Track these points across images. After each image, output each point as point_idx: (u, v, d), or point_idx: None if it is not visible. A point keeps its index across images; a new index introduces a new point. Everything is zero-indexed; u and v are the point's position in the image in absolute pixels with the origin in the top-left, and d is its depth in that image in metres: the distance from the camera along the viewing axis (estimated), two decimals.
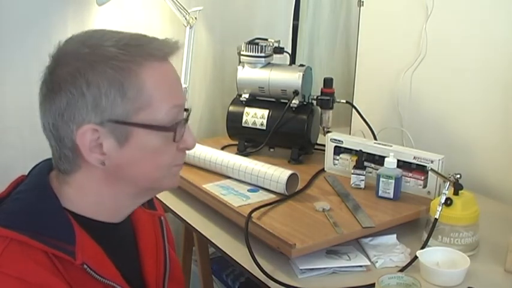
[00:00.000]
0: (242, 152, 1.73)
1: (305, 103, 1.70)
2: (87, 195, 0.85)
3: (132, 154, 0.82)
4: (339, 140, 1.56)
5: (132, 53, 0.80)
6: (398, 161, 1.42)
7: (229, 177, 1.52)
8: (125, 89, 0.79)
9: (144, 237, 0.95)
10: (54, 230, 0.80)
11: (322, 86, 1.70)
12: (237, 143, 1.77)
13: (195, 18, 1.84)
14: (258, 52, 1.71)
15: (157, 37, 0.84)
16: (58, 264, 0.78)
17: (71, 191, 0.85)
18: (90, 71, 0.78)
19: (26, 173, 0.89)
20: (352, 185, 1.48)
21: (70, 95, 0.78)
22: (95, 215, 0.86)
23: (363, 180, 1.47)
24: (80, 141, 0.80)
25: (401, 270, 1.17)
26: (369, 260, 1.21)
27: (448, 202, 1.23)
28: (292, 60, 1.84)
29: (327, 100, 1.68)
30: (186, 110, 0.88)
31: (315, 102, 1.71)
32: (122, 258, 0.88)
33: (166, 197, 1.52)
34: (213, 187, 1.47)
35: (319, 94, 1.70)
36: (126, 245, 0.93)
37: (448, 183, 1.26)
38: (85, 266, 0.80)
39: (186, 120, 0.87)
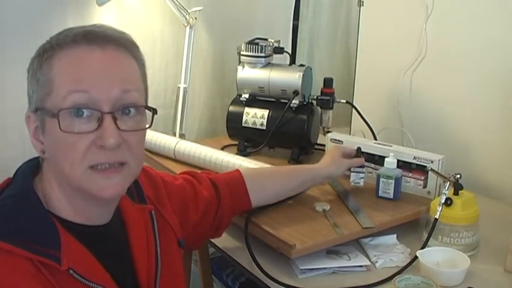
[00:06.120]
0: (242, 152, 1.73)
1: (305, 103, 1.70)
2: (53, 190, 0.84)
3: (50, 144, 0.83)
4: (339, 140, 1.56)
5: (56, 42, 0.82)
6: (398, 161, 1.42)
7: None
8: (37, 75, 0.81)
9: (135, 234, 0.93)
10: (39, 236, 0.78)
11: (322, 86, 1.70)
12: (237, 143, 1.77)
13: (195, 18, 1.84)
14: (258, 52, 1.71)
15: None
16: (44, 270, 0.76)
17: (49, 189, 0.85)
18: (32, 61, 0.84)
19: None
20: (352, 183, 1.46)
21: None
22: (76, 219, 0.84)
23: (362, 178, 1.46)
24: (26, 126, 0.85)
25: (402, 270, 1.17)
26: (369, 260, 1.21)
27: (448, 202, 1.23)
28: (292, 60, 1.84)
29: (327, 100, 1.68)
30: (129, 104, 0.82)
31: (315, 102, 1.71)
32: (112, 259, 0.86)
33: None
34: None
35: (319, 94, 1.70)
36: (117, 245, 0.90)
37: (448, 183, 1.26)
38: (71, 271, 0.78)
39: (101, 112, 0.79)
